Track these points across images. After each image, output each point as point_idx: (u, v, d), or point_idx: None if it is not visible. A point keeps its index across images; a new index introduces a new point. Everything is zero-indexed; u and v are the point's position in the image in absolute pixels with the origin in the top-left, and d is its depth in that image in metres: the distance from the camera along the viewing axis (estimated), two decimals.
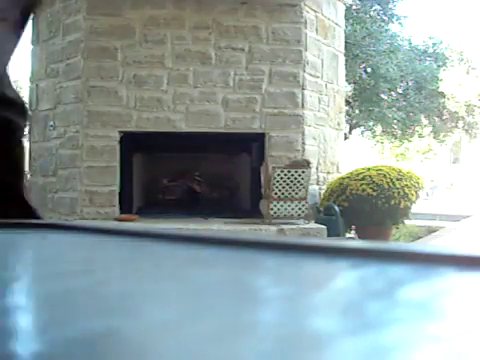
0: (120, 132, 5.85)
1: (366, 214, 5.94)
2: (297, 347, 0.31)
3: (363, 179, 6.03)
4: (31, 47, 6.60)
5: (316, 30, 6.37)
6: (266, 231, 5.38)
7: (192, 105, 5.88)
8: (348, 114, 11.48)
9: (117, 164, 5.86)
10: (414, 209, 6.44)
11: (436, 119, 15.48)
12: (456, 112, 18.57)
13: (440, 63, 13.41)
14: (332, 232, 5.59)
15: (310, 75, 6.18)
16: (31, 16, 1.03)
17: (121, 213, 5.83)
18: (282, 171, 5.56)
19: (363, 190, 5.93)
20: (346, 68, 8.18)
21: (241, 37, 5.96)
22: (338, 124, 6.94)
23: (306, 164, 5.74)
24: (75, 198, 5.86)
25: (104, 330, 0.34)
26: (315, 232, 5.48)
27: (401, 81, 12.05)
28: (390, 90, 11.80)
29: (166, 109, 5.86)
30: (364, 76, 11.33)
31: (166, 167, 6.76)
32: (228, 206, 6.48)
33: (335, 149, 6.80)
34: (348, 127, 12.31)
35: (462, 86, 18.72)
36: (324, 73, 6.52)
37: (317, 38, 6.39)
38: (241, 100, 5.93)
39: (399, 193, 5.92)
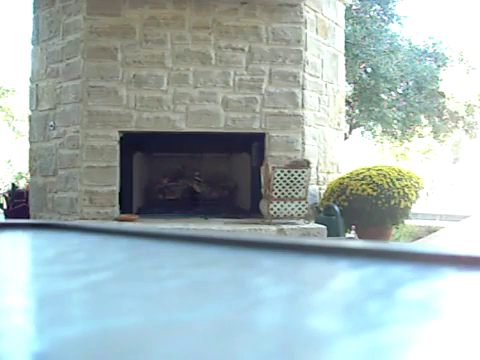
0: (120, 132, 5.84)
1: (366, 214, 5.94)
2: (297, 347, 0.31)
3: (363, 179, 6.02)
4: (31, 47, 6.60)
5: (316, 30, 6.37)
6: (266, 231, 5.38)
7: (192, 105, 5.88)
8: (348, 114, 11.48)
9: (117, 164, 5.85)
10: (414, 209, 6.44)
11: (436, 119, 15.48)
12: (456, 112, 18.57)
13: (440, 63, 13.42)
14: (332, 232, 5.59)
15: (310, 75, 6.18)
16: None
17: (121, 213, 5.83)
18: (282, 171, 5.56)
19: (363, 190, 5.93)
20: (346, 68, 8.17)
21: (241, 37, 5.96)
22: (338, 124, 6.94)
23: (306, 164, 5.74)
24: (75, 198, 5.86)
25: (103, 330, 0.34)
26: (315, 232, 5.48)
27: (401, 81, 12.05)
28: (390, 90, 11.80)
29: (166, 109, 5.86)
30: (364, 76, 11.33)
31: (166, 167, 6.76)
32: (228, 206, 6.48)
33: (335, 149, 6.80)
34: (348, 127, 12.31)
35: (462, 86, 18.72)
36: (324, 73, 6.52)
37: (317, 38, 6.39)
38: (241, 100, 5.92)
39: (399, 193, 5.91)
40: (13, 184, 7.86)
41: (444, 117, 16.98)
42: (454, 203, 15.70)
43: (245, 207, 6.39)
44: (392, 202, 5.88)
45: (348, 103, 11.02)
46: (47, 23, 6.33)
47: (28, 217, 6.39)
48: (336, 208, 5.84)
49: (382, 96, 11.80)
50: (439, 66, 13.28)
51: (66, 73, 6.02)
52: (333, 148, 6.74)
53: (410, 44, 13.08)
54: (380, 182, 5.93)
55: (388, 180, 5.95)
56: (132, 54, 5.83)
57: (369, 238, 5.94)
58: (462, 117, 19.15)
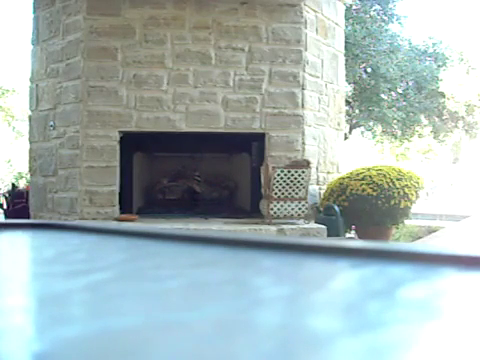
0: (120, 132, 5.84)
1: (366, 214, 5.93)
2: (297, 347, 0.31)
3: (363, 179, 6.02)
4: (31, 47, 6.60)
5: (316, 30, 6.37)
6: (266, 231, 5.38)
7: (192, 105, 5.88)
8: (348, 114, 11.48)
9: (117, 164, 5.85)
10: (414, 209, 6.44)
11: (436, 119, 15.48)
12: (456, 112, 18.58)
13: (440, 63, 13.41)
14: (332, 232, 5.59)
15: (310, 75, 6.18)
16: None
17: (121, 213, 5.83)
18: (282, 171, 5.56)
19: (363, 190, 5.93)
20: (346, 68, 8.17)
21: (241, 37, 5.96)
22: (338, 124, 6.94)
23: (306, 164, 5.74)
24: (75, 198, 5.86)
25: (103, 330, 0.34)
26: (315, 232, 5.48)
27: (401, 81, 12.05)
28: (390, 90, 11.80)
29: (166, 109, 5.86)
30: (364, 76, 11.33)
31: (166, 167, 6.75)
32: (228, 206, 6.48)
33: (335, 149, 6.80)
34: (348, 127, 12.30)
35: (462, 86, 18.72)
36: (324, 73, 6.52)
37: (317, 38, 6.39)
38: (241, 100, 5.92)
39: (399, 193, 5.91)
40: (13, 184, 7.86)
41: (444, 117, 16.98)
42: (454, 203, 15.71)
43: (245, 207, 6.39)
44: (392, 202, 5.88)
45: (348, 103, 11.02)
46: (47, 23, 6.33)
47: (28, 217, 6.39)
48: (336, 208, 5.84)
49: (382, 96, 11.80)
50: (439, 66, 13.27)
51: (66, 73, 6.02)
52: (333, 148, 6.74)
53: (410, 44, 13.08)
54: (380, 182, 5.93)
55: (388, 180, 5.95)
56: (132, 54, 5.83)
57: (369, 238, 5.94)
58: (462, 117, 19.15)
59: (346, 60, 7.87)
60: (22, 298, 0.45)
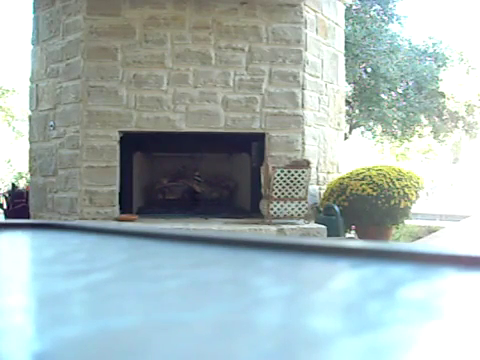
0: (120, 132, 5.84)
1: (366, 214, 5.93)
2: (297, 347, 0.31)
3: (363, 179, 6.02)
4: (31, 47, 6.60)
5: (316, 30, 6.37)
6: (266, 231, 5.38)
7: (192, 105, 5.88)
8: (348, 114, 11.47)
9: (117, 164, 5.85)
10: (414, 209, 6.44)
11: (436, 119, 15.48)
12: (456, 112, 18.58)
13: (440, 63, 13.41)
14: (332, 232, 5.59)
15: (310, 75, 6.18)
16: None
17: (121, 213, 5.83)
18: (282, 171, 5.56)
19: (363, 190, 5.93)
20: (346, 68, 8.17)
21: (241, 37, 5.96)
22: (338, 124, 6.94)
23: (306, 164, 5.74)
24: (75, 198, 5.86)
25: (103, 330, 0.34)
26: (315, 232, 5.48)
27: (401, 81, 12.04)
28: (390, 90, 11.79)
29: (166, 109, 5.86)
30: (364, 76, 11.33)
31: (166, 167, 6.75)
32: (228, 206, 6.48)
33: (335, 149, 6.80)
34: (348, 127, 12.30)
35: (462, 86, 18.72)
36: (324, 73, 6.52)
37: (317, 38, 6.39)
38: (241, 100, 5.92)
39: (399, 193, 5.91)
40: (13, 184, 7.86)
41: (444, 117, 16.98)
42: (454, 203, 15.71)
43: (245, 207, 6.39)
44: (392, 202, 5.88)
45: (348, 103, 11.02)
46: (47, 23, 6.33)
47: (28, 217, 6.39)
48: (336, 208, 5.84)
49: (382, 96, 11.80)
50: (439, 66, 13.27)
51: (66, 73, 6.02)
52: (333, 148, 6.74)
53: (410, 44, 13.08)
54: (380, 182, 5.93)
55: (388, 180, 5.95)
56: (132, 54, 5.83)
57: (369, 238, 5.94)
58: (462, 117, 19.16)
59: (346, 60, 7.87)
60: (22, 298, 0.45)
